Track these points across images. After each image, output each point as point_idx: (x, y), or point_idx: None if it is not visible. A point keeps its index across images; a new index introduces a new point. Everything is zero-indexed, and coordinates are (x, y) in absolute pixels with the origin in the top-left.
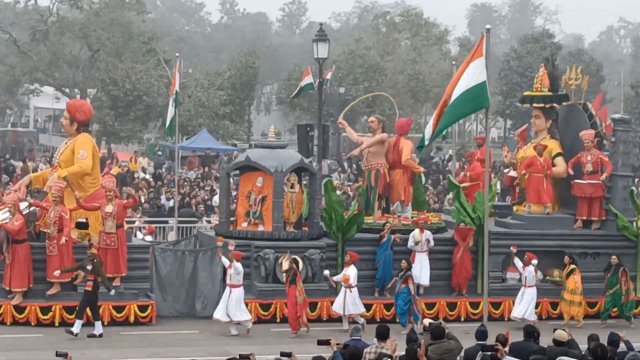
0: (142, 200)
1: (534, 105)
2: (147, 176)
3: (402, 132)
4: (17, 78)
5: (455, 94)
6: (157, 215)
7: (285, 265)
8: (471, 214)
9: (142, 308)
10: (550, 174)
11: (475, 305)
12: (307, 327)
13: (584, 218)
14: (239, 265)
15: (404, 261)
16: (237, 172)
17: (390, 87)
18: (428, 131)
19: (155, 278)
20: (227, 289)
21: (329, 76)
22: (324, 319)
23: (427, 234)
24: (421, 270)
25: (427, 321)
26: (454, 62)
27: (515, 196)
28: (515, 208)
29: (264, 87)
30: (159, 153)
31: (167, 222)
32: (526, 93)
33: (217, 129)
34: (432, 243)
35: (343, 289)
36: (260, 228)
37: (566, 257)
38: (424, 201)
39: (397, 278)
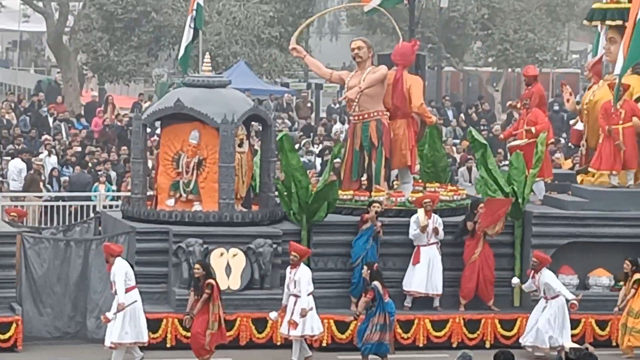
0: None
1: (607, 23)
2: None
3: (405, 64)
4: None
5: None
6: None
7: None
8: (504, 186)
9: (3, 327)
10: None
11: (508, 325)
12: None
13: None
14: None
15: (365, 267)
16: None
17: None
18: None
19: (24, 281)
20: None
21: None
22: (278, 343)
23: (437, 220)
24: (430, 274)
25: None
26: None
27: (582, 160)
28: (579, 178)
29: (330, 0)
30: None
31: None
32: (595, 5)
33: (260, 60)
34: (441, 235)
35: (292, 299)
36: (197, 206)
37: (626, 262)
38: (446, 168)
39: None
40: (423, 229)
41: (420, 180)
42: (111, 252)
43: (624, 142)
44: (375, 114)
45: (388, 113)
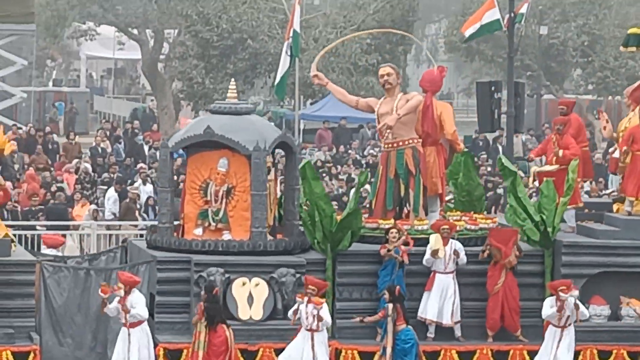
0: None
1: None
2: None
3: (434, 90)
4: (63, 14)
5: None
6: None
7: None
8: (534, 215)
9: (20, 356)
10: None
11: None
12: None
13: None
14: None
15: (386, 291)
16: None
17: (616, 26)
18: None
19: (44, 310)
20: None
21: (523, 9)
22: None
23: (455, 244)
24: (443, 302)
25: None
26: None
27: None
28: (615, 207)
29: (427, 27)
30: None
31: None
32: (631, 30)
33: (358, 88)
34: (463, 259)
35: (304, 332)
36: (226, 235)
37: None
38: (481, 197)
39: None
40: (434, 253)
41: (454, 209)
42: (130, 283)
43: None
44: (410, 141)
45: (421, 140)
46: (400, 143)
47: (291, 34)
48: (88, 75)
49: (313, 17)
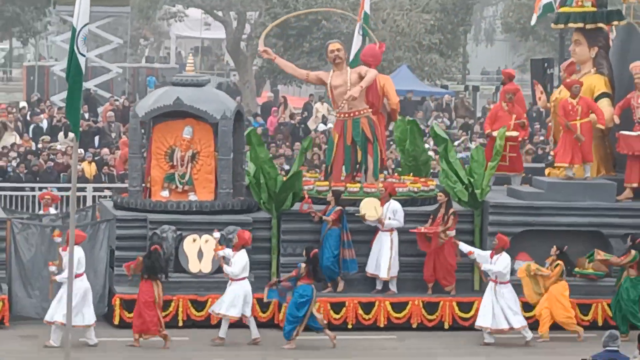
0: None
1: (571, 25)
2: (329, 127)
3: (376, 64)
4: None
5: None
6: None
7: None
8: (463, 178)
9: None
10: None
11: (466, 307)
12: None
13: (635, 185)
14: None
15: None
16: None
17: None
18: None
19: (14, 264)
20: None
21: None
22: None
23: (393, 205)
24: (379, 257)
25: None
26: None
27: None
28: (547, 171)
29: (485, 9)
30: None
31: None
32: (561, 9)
33: (422, 64)
34: (398, 220)
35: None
36: (192, 196)
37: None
38: (427, 162)
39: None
40: (362, 217)
41: (397, 174)
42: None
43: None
44: (364, 111)
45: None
46: (357, 112)
47: (362, 16)
48: (177, 53)
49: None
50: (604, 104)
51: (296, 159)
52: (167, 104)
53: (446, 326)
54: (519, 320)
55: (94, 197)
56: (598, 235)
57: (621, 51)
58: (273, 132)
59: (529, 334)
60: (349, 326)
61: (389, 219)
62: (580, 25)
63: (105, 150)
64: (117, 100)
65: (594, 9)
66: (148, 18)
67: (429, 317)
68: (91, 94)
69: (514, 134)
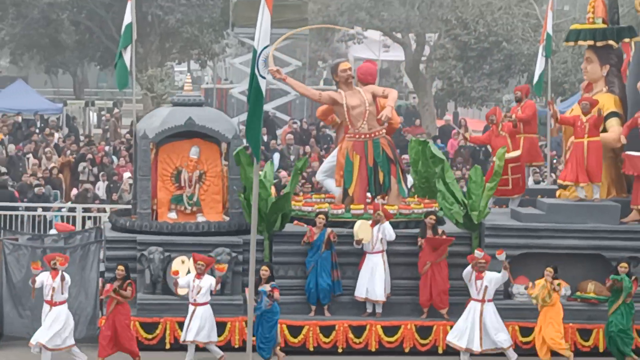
0: None
1: (581, 43)
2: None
3: (373, 82)
4: (333, 20)
5: None
6: None
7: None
8: (460, 199)
9: None
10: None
11: None
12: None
13: None
14: None
15: (264, 266)
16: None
17: None
18: None
19: (5, 285)
20: None
21: None
22: (236, 345)
23: (384, 227)
24: (372, 280)
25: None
26: None
27: None
28: (558, 192)
29: None
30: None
31: None
32: (573, 26)
33: None
34: (387, 239)
35: (191, 307)
36: (200, 217)
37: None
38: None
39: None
40: (356, 242)
41: (416, 196)
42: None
43: (589, 156)
44: (382, 131)
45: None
46: (376, 133)
47: (544, 37)
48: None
49: (563, 21)
50: (613, 123)
51: (290, 179)
52: (178, 124)
53: (440, 350)
54: (505, 340)
55: None
56: (599, 258)
57: (636, 69)
58: (453, 155)
59: (513, 356)
60: (339, 350)
61: (380, 240)
62: (591, 42)
63: (283, 173)
64: (296, 122)
65: (605, 26)
66: (326, 40)
67: (422, 341)
68: (270, 116)
69: (515, 154)
